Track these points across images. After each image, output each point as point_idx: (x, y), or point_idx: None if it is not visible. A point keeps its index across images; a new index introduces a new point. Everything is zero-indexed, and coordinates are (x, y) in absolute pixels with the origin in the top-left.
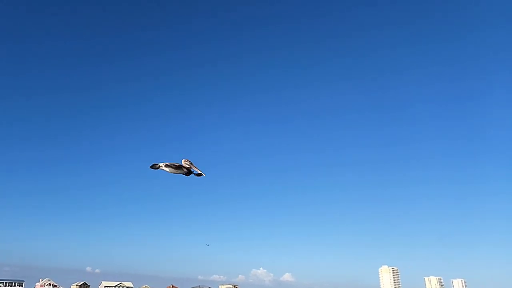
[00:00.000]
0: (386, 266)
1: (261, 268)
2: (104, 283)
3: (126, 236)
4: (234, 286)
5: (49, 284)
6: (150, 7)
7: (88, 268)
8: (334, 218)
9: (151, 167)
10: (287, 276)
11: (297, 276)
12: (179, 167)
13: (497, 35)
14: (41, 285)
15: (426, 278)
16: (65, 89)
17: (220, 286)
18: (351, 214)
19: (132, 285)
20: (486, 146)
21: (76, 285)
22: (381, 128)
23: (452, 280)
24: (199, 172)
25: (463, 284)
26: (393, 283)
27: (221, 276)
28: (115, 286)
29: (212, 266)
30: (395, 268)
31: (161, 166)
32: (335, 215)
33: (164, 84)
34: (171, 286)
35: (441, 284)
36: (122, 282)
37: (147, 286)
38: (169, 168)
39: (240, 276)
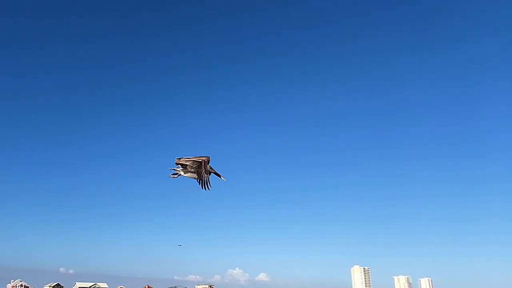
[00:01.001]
0: (357, 266)
1: (237, 268)
2: (78, 284)
3: (101, 236)
4: (210, 286)
5: (21, 285)
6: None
7: (62, 269)
8: (309, 219)
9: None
10: (262, 276)
11: (272, 276)
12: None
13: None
14: (12, 286)
15: (396, 277)
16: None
17: (196, 286)
18: (325, 215)
19: (107, 286)
20: (462, 149)
21: (49, 286)
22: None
23: (419, 279)
24: (220, 176)
25: (430, 283)
26: (364, 282)
27: (197, 276)
28: (89, 287)
29: (188, 266)
30: (366, 268)
31: (180, 170)
32: (310, 216)
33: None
34: (147, 287)
35: (409, 283)
36: (97, 283)
37: (122, 286)
38: (188, 172)
39: (216, 276)
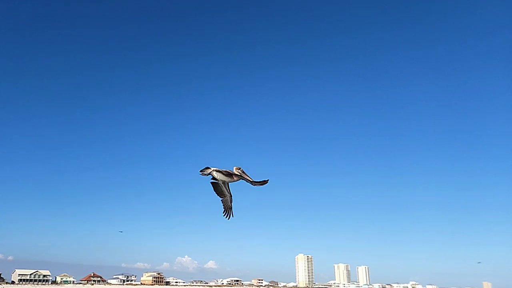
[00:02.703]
0: (302, 254)
1: (186, 256)
2: (18, 272)
3: (42, 222)
4: (159, 273)
5: None
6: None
7: (0, 256)
8: (256, 209)
9: (202, 170)
10: (210, 264)
11: (220, 264)
12: (230, 174)
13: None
14: None
15: (336, 265)
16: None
17: (144, 274)
18: (272, 205)
19: (49, 274)
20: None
21: None
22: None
23: (357, 267)
24: (251, 180)
25: (367, 271)
26: (307, 270)
27: (146, 264)
28: (30, 275)
29: (136, 254)
30: (310, 256)
31: (212, 171)
32: (258, 205)
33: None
34: (92, 274)
35: (348, 271)
36: (39, 271)
37: (66, 274)
38: (220, 174)
39: (165, 263)
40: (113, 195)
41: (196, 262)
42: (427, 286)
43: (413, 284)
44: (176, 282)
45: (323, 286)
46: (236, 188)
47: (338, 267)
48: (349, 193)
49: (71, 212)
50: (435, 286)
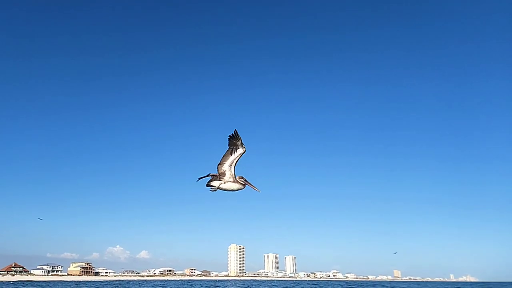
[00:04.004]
0: (234, 244)
1: (117, 246)
2: None
3: None
4: (87, 263)
5: None
6: None
7: None
8: (191, 201)
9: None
10: (143, 254)
11: (153, 254)
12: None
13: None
14: None
15: (265, 255)
16: None
17: (71, 264)
18: (206, 196)
19: None
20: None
21: None
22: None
23: (285, 256)
24: (255, 188)
25: (293, 260)
26: (238, 259)
27: (73, 254)
28: None
29: (63, 243)
30: (242, 246)
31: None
32: (192, 197)
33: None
34: (13, 264)
35: (276, 260)
36: None
37: None
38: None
39: (94, 253)
40: (38, 180)
41: (128, 252)
42: (346, 274)
43: (334, 272)
44: (106, 272)
45: (253, 275)
46: (168, 180)
47: (267, 256)
48: (279, 185)
49: None
50: (353, 274)
